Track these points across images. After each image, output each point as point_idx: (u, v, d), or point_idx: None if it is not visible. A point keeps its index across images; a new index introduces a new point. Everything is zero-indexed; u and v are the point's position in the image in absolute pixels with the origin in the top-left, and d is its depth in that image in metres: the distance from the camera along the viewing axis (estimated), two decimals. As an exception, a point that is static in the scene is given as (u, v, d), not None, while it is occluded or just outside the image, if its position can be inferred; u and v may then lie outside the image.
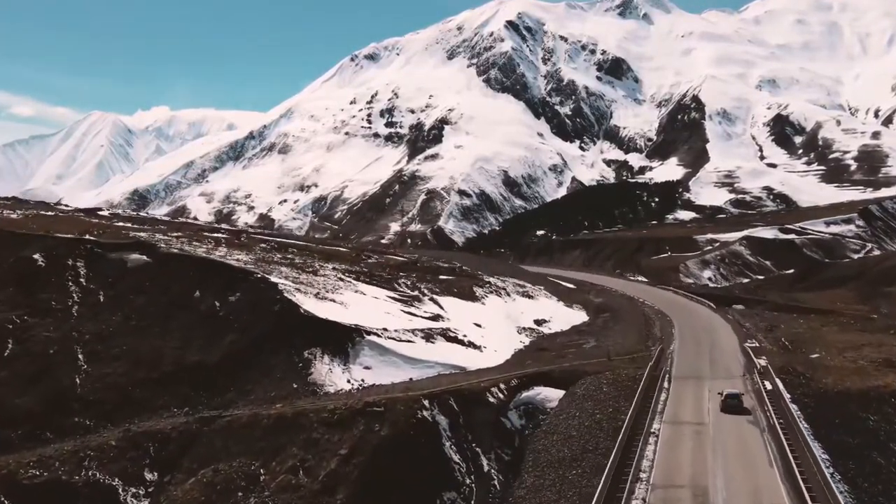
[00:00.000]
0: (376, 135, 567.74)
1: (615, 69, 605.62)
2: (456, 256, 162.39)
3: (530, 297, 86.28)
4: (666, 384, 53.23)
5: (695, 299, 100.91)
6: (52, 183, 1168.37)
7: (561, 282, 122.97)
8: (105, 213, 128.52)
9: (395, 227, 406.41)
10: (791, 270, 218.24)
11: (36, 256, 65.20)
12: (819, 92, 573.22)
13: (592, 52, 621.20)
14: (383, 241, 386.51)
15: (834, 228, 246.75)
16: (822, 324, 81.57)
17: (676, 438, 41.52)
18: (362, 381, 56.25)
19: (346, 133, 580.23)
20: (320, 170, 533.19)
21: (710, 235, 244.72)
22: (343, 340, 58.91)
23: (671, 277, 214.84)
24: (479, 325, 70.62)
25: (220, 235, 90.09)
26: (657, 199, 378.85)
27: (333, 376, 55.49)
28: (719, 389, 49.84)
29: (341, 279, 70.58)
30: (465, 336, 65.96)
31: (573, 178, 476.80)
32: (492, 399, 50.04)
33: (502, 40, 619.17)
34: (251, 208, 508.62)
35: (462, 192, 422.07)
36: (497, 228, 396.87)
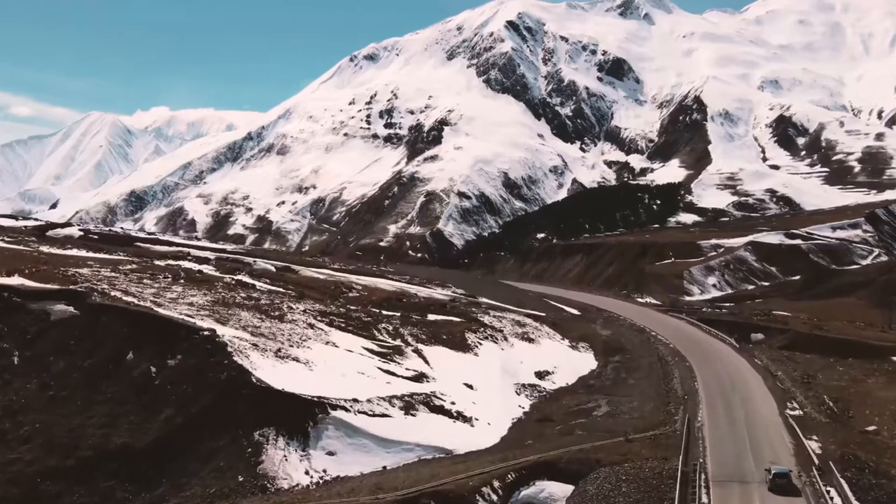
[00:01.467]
0: (375, 136, 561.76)
1: (616, 70, 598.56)
2: (451, 276, 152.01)
3: (530, 340, 76.16)
4: (704, 497, 41.39)
5: (712, 333, 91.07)
6: (51, 183, 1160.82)
7: (563, 307, 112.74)
8: (73, 229, 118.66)
9: (393, 229, 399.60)
10: (797, 277, 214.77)
11: (-60, 307, 54.64)
12: (822, 93, 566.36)
13: (593, 52, 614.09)
14: (381, 244, 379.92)
15: (840, 233, 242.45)
16: (865, 373, 71.63)
17: None
18: (324, 472, 46.47)
19: (345, 134, 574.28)
20: (319, 171, 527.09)
21: (714, 241, 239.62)
22: (303, 418, 48.53)
23: (676, 284, 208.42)
24: (470, 387, 60.12)
25: (184, 265, 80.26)
26: (659, 202, 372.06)
27: (289, 466, 45.57)
28: (766, 468, 43.41)
29: (311, 325, 60.15)
30: (453, 404, 55.50)
31: (574, 180, 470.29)
32: (483, 503, 40.43)
33: (502, 40, 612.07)
34: (249, 210, 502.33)
35: (461, 194, 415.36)
36: (497, 231, 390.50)
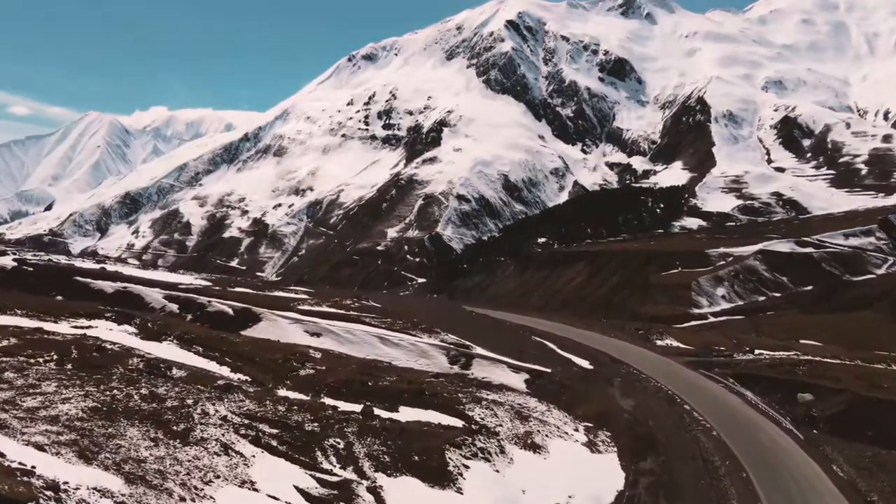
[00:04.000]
0: (373, 137, 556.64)
1: (618, 70, 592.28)
2: (442, 313, 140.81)
3: (536, 447, 59.44)
4: None
5: (759, 408, 77.54)
6: (48, 184, 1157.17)
7: (571, 356, 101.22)
8: (3, 261, 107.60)
9: (391, 232, 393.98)
10: (809, 287, 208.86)
11: None
12: (827, 93, 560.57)
13: (595, 52, 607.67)
14: (379, 248, 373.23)
15: (853, 241, 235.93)
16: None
17: None
18: None
19: (343, 135, 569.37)
20: (316, 173, 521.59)
21: (722, 249, 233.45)
22: None
23: (684, 296, 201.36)
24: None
25: (90, 332, 65.15)
26: (662, 205, 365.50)
27: None
28: None
29: (227, 448, 39.41)
30: None
31: (575, 182, 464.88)
32: None
33: (502, 40, 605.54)
34: (244, 213, 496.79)
35: (461, 197, 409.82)
36: (497, 235, 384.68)
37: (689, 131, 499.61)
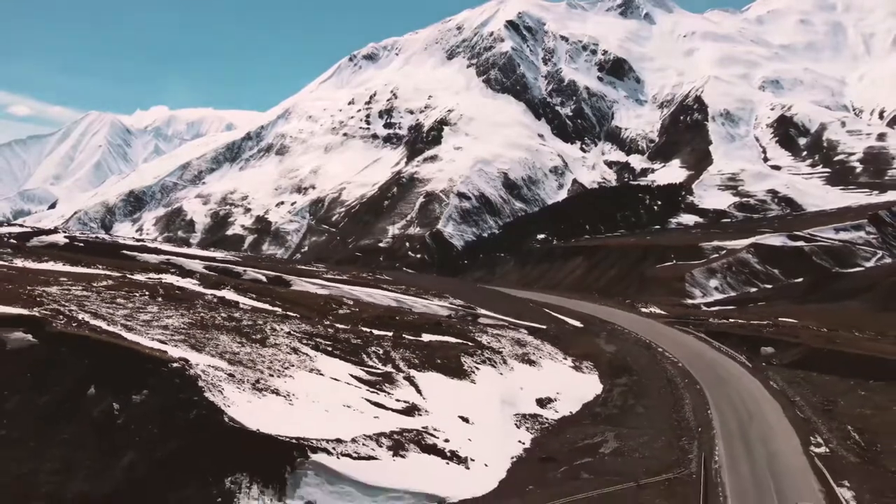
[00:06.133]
0: (375, 136, 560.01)
1: (617, 69, 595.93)
2: (448, 284, 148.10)
3: (531, 362, 71.51)
4: None
5: (722, 350, 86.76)
6: (50, 183, 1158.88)
7: (565, 318, 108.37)
8: (58, 236, 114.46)
9: (393, 230, 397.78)
10: (800, 279, 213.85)
11: None
12: (823, 93, 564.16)
13: (594, 52, 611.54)
14: (381, 245, 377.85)
15: (844, 235, 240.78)
16: (890, 398, 66.93)
17: None
18: (302, 524, 42.41)
19: (345, 134, 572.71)
20: (318, 171, 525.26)
21: (716, 242, 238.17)
22: (280, 463, 42.96)
23: (678, 287, 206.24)
24: (466, 420, 55.17)
25: (165, 279, 75.85)
26: (660, 203, 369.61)
27: (263, 518, 41.59)
28: None
29: (296, 350, 55.43)
30: (447, 442, 50.40)
31: (574, 180, 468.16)
32: (477, 565, 36.10)
33: (502, 40, 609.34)
34: (248, 211, 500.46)
35: (461, 195, 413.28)
36: (497, 232, 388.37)
37: (686, 130, 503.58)
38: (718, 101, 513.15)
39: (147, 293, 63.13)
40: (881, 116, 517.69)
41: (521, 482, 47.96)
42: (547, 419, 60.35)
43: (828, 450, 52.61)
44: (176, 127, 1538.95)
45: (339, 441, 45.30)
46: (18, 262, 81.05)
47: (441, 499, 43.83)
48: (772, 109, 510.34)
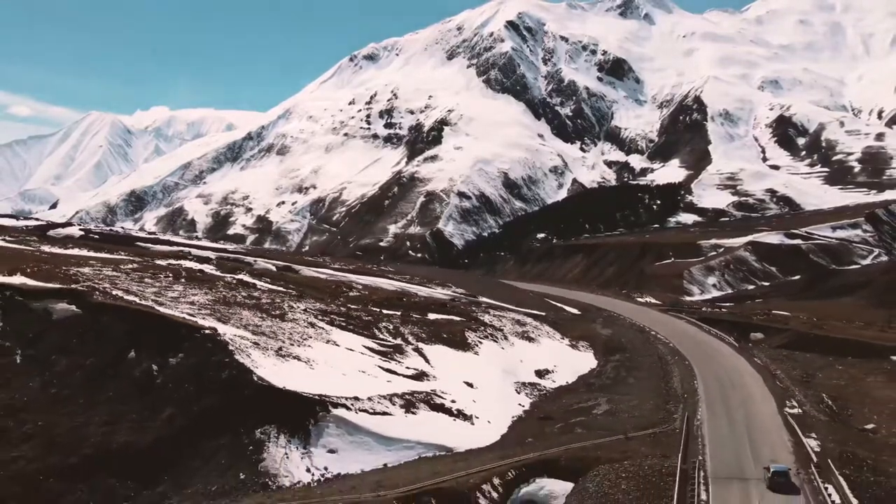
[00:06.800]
0: (375, 136, 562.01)
1: (616, 70, 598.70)
2: (451, 276, 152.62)
3: (531, 339, 76.32)
4: (703, 494, 41.63)
5: (712, 333, 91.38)
6: (51, 183, 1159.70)
7: (564, 306, 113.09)
8: (73, 229, 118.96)
9: (393, 229, 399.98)
10: (797, 277, 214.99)
11: (-58, 305, 54.76)
12: (822, 93, 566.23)
13: (593, 52, 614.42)
14: (381, 244, 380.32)
15: (840, 233, 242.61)
16: (865, 371, 72.06)
17: None
18: (325, 469, 46.85)
19: (345, 134, 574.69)
20: (318, 171, 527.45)
21: (714, 241, 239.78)
22: (304, 416, 48.99)
23: (675, 284, 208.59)
24: (470, 385, 60.51)
25: (185, 264, 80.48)
26: (659, 202, 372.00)
27: (290, 464, 45.85)
28: (765, 466, 43.60)
29: (312, 324, 60.56)
30: (453, 402, 55.82)
31: (574, 180, 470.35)
32: (483, 501, 40.55)
33: (502, 40, 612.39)
34: (249, 210, 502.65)
35: (461, 194, 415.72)
36: (497, 231, 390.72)
37: (686, 130, 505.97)
38: (718, 101, 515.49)
39: (171, 275, 67.81)
40: (880, 116, 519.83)
41: (521, 435, 53.18)
42: (545, 387, 65.96)
43: (801, 411, 57.81)
44: (176, 127, 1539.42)
45: (356, 399, 50.40)
46: (46, 248, 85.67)
47: (449, 448, 48.61)
48: (771, 109, 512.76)
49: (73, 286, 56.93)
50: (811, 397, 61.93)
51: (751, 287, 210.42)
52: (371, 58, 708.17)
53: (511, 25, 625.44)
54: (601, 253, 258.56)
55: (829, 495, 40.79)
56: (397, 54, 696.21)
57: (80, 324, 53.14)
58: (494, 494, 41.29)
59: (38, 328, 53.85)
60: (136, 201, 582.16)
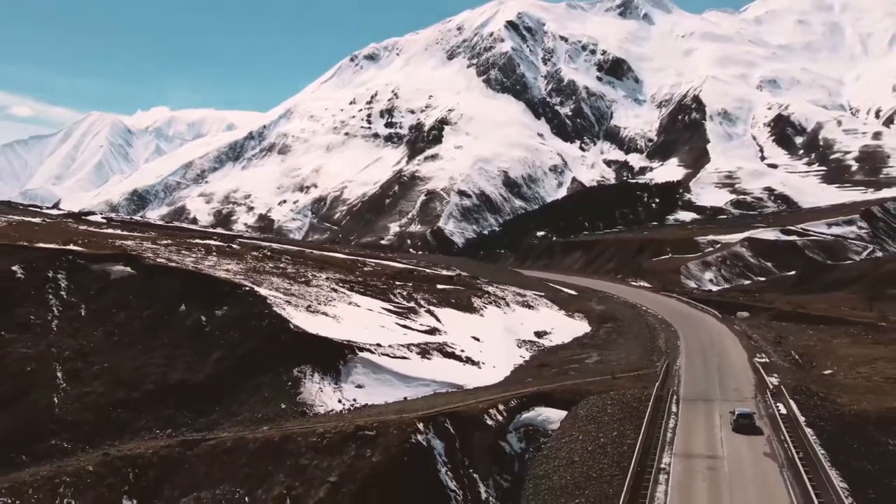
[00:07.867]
0: (376, 135, 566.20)
1: (616, 69, 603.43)
2: (455, 261, 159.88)
3: (530, 307, 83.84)
4: (674, 407, 50.55)
5: (699, 307, 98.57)
6: (52, 183, 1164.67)
7: (562, 288, 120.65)
8: (97, 216, 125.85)
9: (394, 227, 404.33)
10: (792, 272, 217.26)
11: (15, 268, 61.96)
12: (820, 92, 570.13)
13: (593, 52, 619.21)
14: (382, 242, 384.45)
15: (836, 230, 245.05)
16: (833, 335, 79.30)
17: (689, 477, 38.24)
18: (354, 400, 53.99)
19: (346, 133, 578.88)
20: (320, 170, 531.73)
21: (711, 237, 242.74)
22: (334, 358, 56.44)
23: (673, 279, 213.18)
24: (477, 339, 68.11)
25: (211, 243, 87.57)
26: (658, 200, 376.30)
27: (324, 396, 53.14)
28: (731, 411, 48.07)
29: (335, 290, 68.21)
30: (462, 351, 63.48)
31: (573, 179, 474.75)
32: (490, 421, 47.46)
33: (502, 40, 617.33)
34: (250, 209, 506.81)
35: (462, 193, 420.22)
36: (497, 229, 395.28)
37: (684, 129, 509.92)
38: (716, 100, 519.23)
39: (203, 250, 75.19)
40: (877, 115, 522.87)
41: (522, 377, 60.62)
42: (543, 345, 73.70)
43: (769, 361, 65.43)
44: (177, 127, 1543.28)
45: (378, 345, 57.79)
46: (83, 228, 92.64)
47: (460, 386, 55.74)
48: (769, 109, 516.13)
49: (125, 252, 64.29)
50: (780, 353, 69.54)
51: (747, 282, 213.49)
52: (372, 58, 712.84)
53: (511, 25, 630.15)
54: (600, 249, 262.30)
55: (778, 408, 47.88)
56: (398, 54, 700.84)
57: (135, 282, 60.77)
58: (500, 417, 48.20)
59: (99, 286, 61.64)
60: (139, 200, 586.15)
